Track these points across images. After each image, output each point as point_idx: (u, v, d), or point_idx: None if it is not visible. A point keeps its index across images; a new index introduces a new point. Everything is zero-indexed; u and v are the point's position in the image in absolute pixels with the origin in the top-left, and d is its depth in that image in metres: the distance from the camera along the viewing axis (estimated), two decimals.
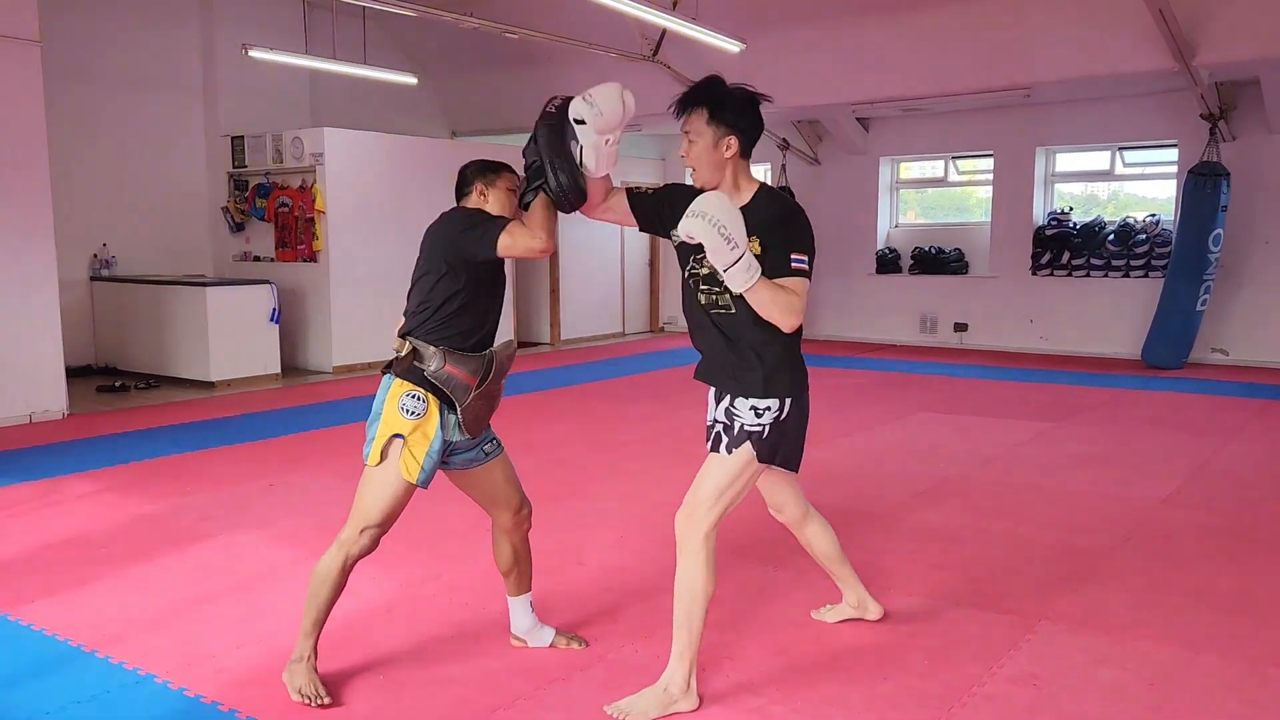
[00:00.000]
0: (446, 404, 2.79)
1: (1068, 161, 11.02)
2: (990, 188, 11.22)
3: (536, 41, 8.97)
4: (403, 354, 2.80)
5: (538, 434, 6.63)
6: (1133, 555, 4.11)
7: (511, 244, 2.68)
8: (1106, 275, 10.39)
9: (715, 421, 2.85)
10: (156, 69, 9.55)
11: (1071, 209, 10.81)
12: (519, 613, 3.14)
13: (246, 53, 8.37)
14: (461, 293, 2.77)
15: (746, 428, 2.74)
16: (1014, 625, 3.35)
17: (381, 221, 9.61)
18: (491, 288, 2.87)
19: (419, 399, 2.76)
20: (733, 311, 2.74)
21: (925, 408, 7.51)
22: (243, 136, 9.78)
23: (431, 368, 2.75)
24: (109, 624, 3.36)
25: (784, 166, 11.59)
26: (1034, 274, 10.78)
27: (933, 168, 12.05)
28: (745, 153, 2.74)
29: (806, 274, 2.68)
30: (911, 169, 12.17)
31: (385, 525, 2.81)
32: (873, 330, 11.95)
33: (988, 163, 11.28)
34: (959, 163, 11.74)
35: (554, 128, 2.76)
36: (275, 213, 9.58)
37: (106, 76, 9.13)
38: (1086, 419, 7.07)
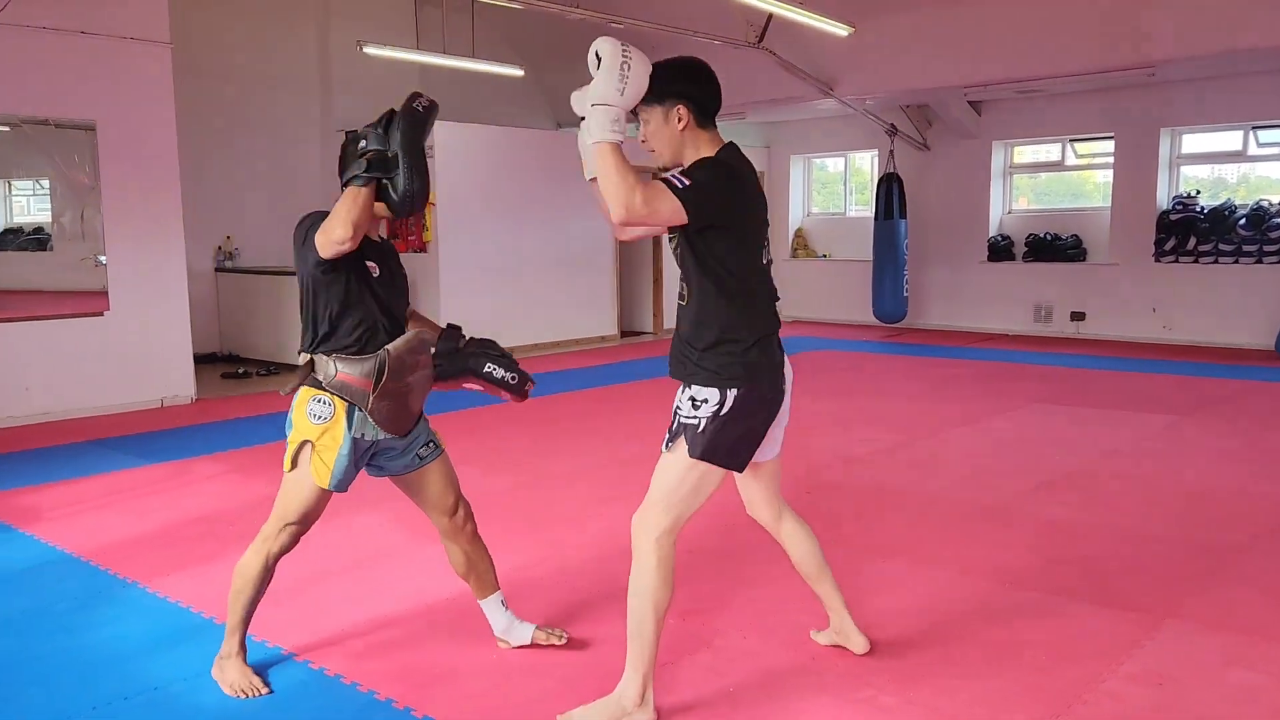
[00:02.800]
0: (350, 407, 2.74)
1: (1195, 143, 10.50)
2: (1110, 171, 10.78)
3: (641, 31, 8.97)
4: (303, 366, 2.77)
5: (645, 423, 6.66)
6: (1266, 554, 3.90)
7: (323, 243, 2.58)
8: (1237, 261, 9.86)
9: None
10: (277, 67, 9.90)
11: (1198, 192, 10.30)
12: (492, 614, 3.06)
13: (361, 49, 8.61)
14: (332, 300, 2.69)
15: (682, 420, 2.54)
16: (1138, 623, 3.22)
17: (489, 212, 9.78)
18: (365, 284, 2.72)
19: (325, 403, 2.71)
20: (683, 301, 2.62)
21: (1040, 399, 7.27)
22: (356, 131, 10.05)
23: (326, 376, 2.71)
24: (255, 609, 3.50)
25: (891, 152, 11.35)
26: (1157, 260, 10.32)
27: (1047, 151, 11.63)
28: (702, 121, 2.55)
29: (675, 190, 2.37)
30: (1025, 153, 11.78)
31: (303, 523, 2.81)
32: (983, 319, 11.62)
33: (1107, 145, 10.83)
34: (1076, 146, 11.30)
35: (418, 125, 2.68)
36: None
37: (231, 75, 9.50)
38: (1215, 412, 6.74)
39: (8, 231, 8.40)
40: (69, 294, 7.37)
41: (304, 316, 2.77)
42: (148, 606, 3.47)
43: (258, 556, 2.81)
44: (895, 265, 11.28)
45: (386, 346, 2.72)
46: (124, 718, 2.69)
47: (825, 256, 13.14)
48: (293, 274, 9.04)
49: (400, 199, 2.67)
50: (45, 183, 8.47)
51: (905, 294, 11.38)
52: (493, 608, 3.06)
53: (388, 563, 3.90)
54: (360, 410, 2.72)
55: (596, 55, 2.37)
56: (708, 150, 2.55)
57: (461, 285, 9.63)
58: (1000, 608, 3.36)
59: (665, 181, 2.40)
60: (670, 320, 11.95)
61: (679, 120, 2.52)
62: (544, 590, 3.57)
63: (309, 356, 2.76)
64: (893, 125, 11.31)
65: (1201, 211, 10.11)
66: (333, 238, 2.56)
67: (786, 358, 2.72)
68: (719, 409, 2.50)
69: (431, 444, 2.94)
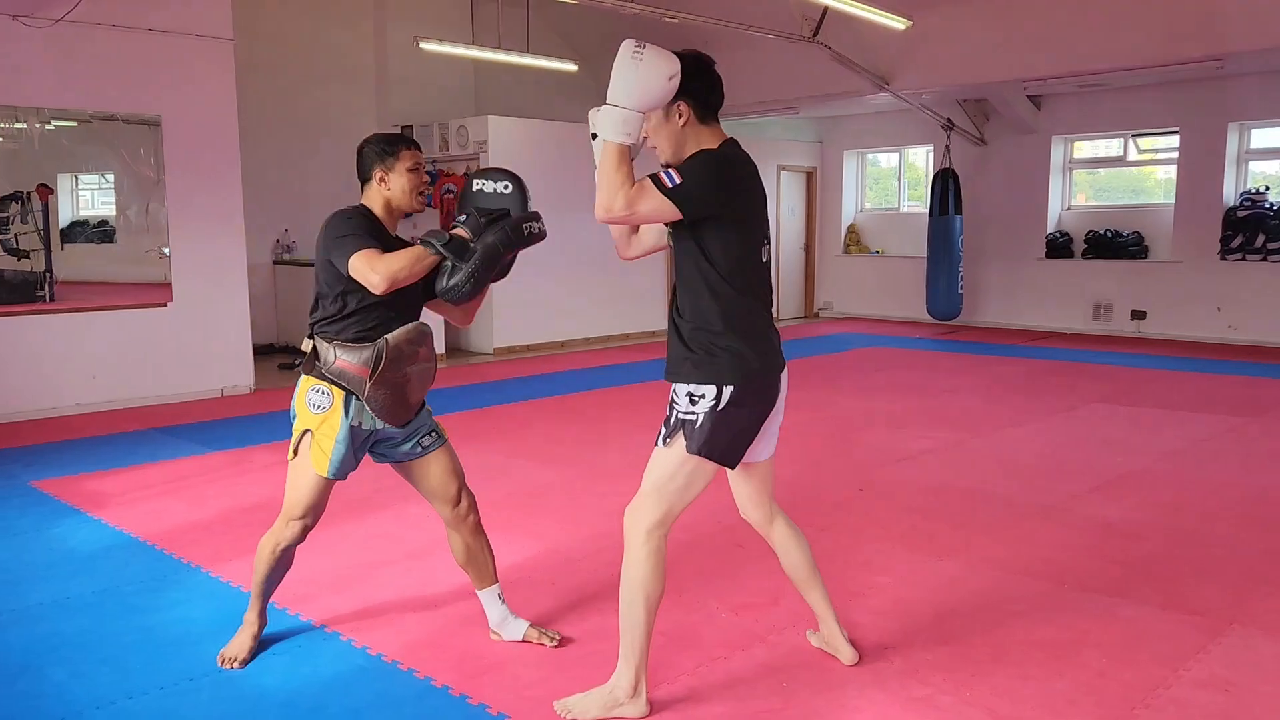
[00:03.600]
0: (347, 395, 2.77)
1: (1264, 137, 10.22)
2: (1173, 167, 10.54)
3: (694, 26, 8.95)
4: (307, 352, 2.80)
5: None
6: None
7: (355, 271, 2.63)
8: None
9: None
10: (334, 63, 10.04)
11: (1268, 188, 10.02)
12: (489, 605, 3.09)
13: (418, 45, 8.70)
14: (352, 293, 2.72)
15: (680, 416, 2.53)
16: (1203, 627, 3.15)
17: (542, 206, 9.70)
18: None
19: (323, 392, 2.76)
20: (678, 300, 2.58)
21: (1100, 399, 7.14)
22: (411, 126, 10.17)
23: (326, 363, 2.75)
24: (296, 583, 3.56)
25: (948, 148, 11.20)
26: (1223, 258, 10.07)
27: (1106, 146, 11.39)
28: (703, 117, 2.54)
29: (663, 188, 2.38)
30: (1084, 148, 11.55)
31: (308, 517, 2.85)
32: (1041, 317, 11.43)
33: (1171, 140, 10.60)
34: (1139, 140, 11.06)
35: (512, 243, 2.72)
36: (441, 199, 9.94)
37: (289, 71, 9.65)
38: None
39: (75, 224, 8.61)
40: (133, 285, 7.55)
41: (315, 298, 2.83)
42: (210, 590, 3.55)
43: (267, 545, 2.90)
44: (950, 262, 11.14)
45: (385, 336, 2.75)
46: (190, 698, 2.75)
47: (878, 253, 13.01)
48: None
49: (445, 289, 2.73)
50: (111, 177, 8.68)
51: (960, 291, 11.24)
52: (490, 599, 3.09)
53: (442, 553, 3.94)
54: (358, 398, 2.76)
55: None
56: (709, 146, 2.54)
57: (513, 277, 9.63)
58: (1059, 609, 3.30)
59: (655, 179, 2.40)
60: None
61: (680, 117, 2.51)
62: (591, 582, 3.59)
63: (312, 343, 2.80)
64: (949, 120, 11.16)
65: (1271, 208, 9.85)
66: (369, 279, 2.62)
67: (783, 358, 2.69)
68: (715, 404, 2.50)
69: (434, 433, 2.97)
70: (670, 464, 2.54)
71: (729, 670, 2.88)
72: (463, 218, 2.79)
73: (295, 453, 2.83)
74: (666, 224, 2.54)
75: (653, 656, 2.95)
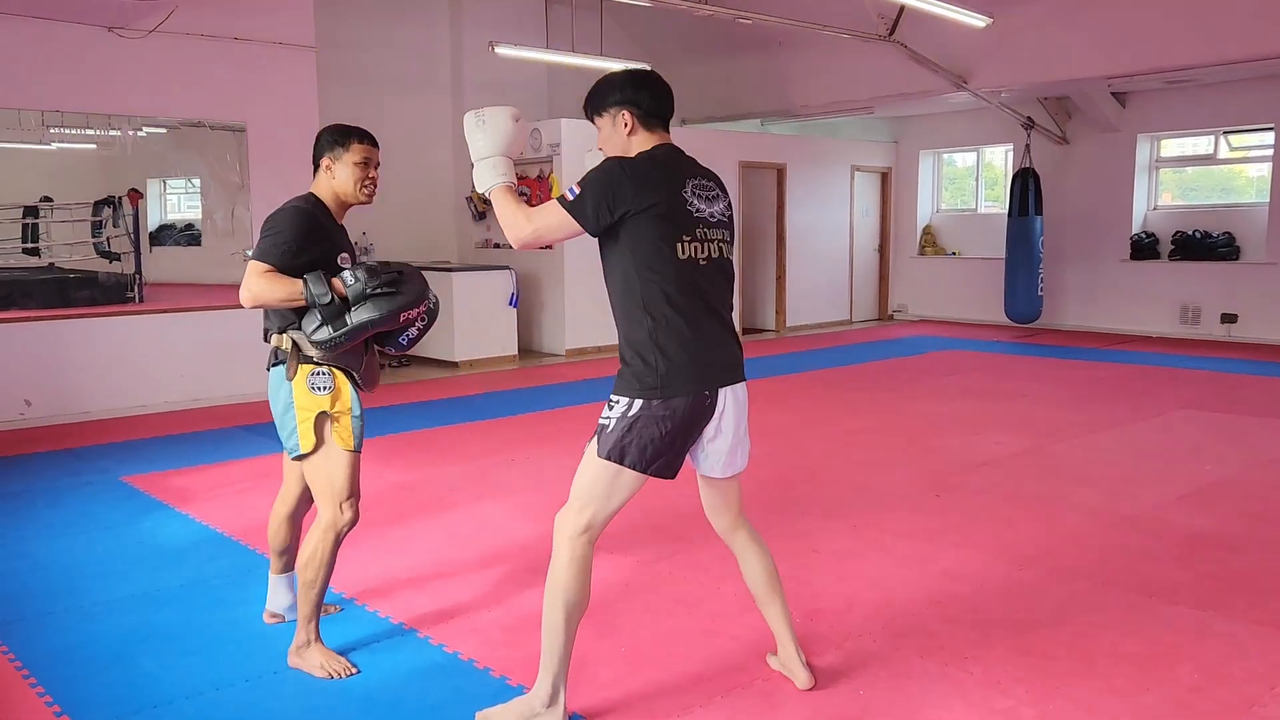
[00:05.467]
0: (345, 373, 2.88)
1: None
2: (1268, 165, 10.15)
3: (768, 26, 8.91)
4: (285, 349, 2.85)
5: (766, 420, 6.60)
6: None
7: (246, 275, 2.75)
8: None
9: None
10: (412, 69, 10.21)
11: None
12: (281, 591, 3.22)
13: (493, 50, 8.80)
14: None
15: (600, 420, 2.52)
16: None
17: None
18: (334, 270, 2.83)
19: (324, 374, 2.83)
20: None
21: (1187, 404, 6.91)
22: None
23: (316, 352, 2.81)
24: (374, 580, 3.64)
25: (1028, 146, 10.95)
26: None
27: (1193, 144, 11.02)
28: (647, 124, 2.58)
29: (565, 203, 2.45)
30: (1172, 146, 11.19)
31: (356, 492, 2.90)
32: (1125, 321, 11.11)
33: (1266, 137, 10.21)
34: (1231, 138, 10.68)
35: (377, 321, 2.74)
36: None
37: (367, 77, 9.84)
38: None
39: (163, 228, 8.90)
40: (218, 287, 7.77)
41: None
42: (294, 585, 3.62)
43: (327, 543, 2.88)
44: (1030, 263, 10.90)
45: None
46: (275, 690, 2.82)
47: (955, 254, 12.78)
48: (422, 269, 9.37)
49: (307, 335, 2.77)
50: (197, 182, 8.96)
51: (1040, 293, 10.98)
52: (284, 584, 3.22)
53: (516, 554, 3.97)
54: (355, 374, 2.89)
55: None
56: (639, 147, 2.57)
57: (585, 279, 9.73)
58: (1147, 621, 3.20)
59: (561, 196, 2.48)
60: (793, 318, 11.91)
61: (625, 125, 2.57)
62: (665, 586, 3.58)
63: (288, 339, 2.86)
64: (1029, 118, 10.92)
65: None
66: (242, 292, 2.76)
67: (736, 374, 2.58)
68: (626, 412, 2.46)
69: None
70: (590, 470, 2.52)
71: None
72: (349, 275, 2.76)
73: (318, 440, 2.85)
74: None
75: (725, 662, 2.94)
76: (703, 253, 2.52)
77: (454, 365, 9.04)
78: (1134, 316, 11.03)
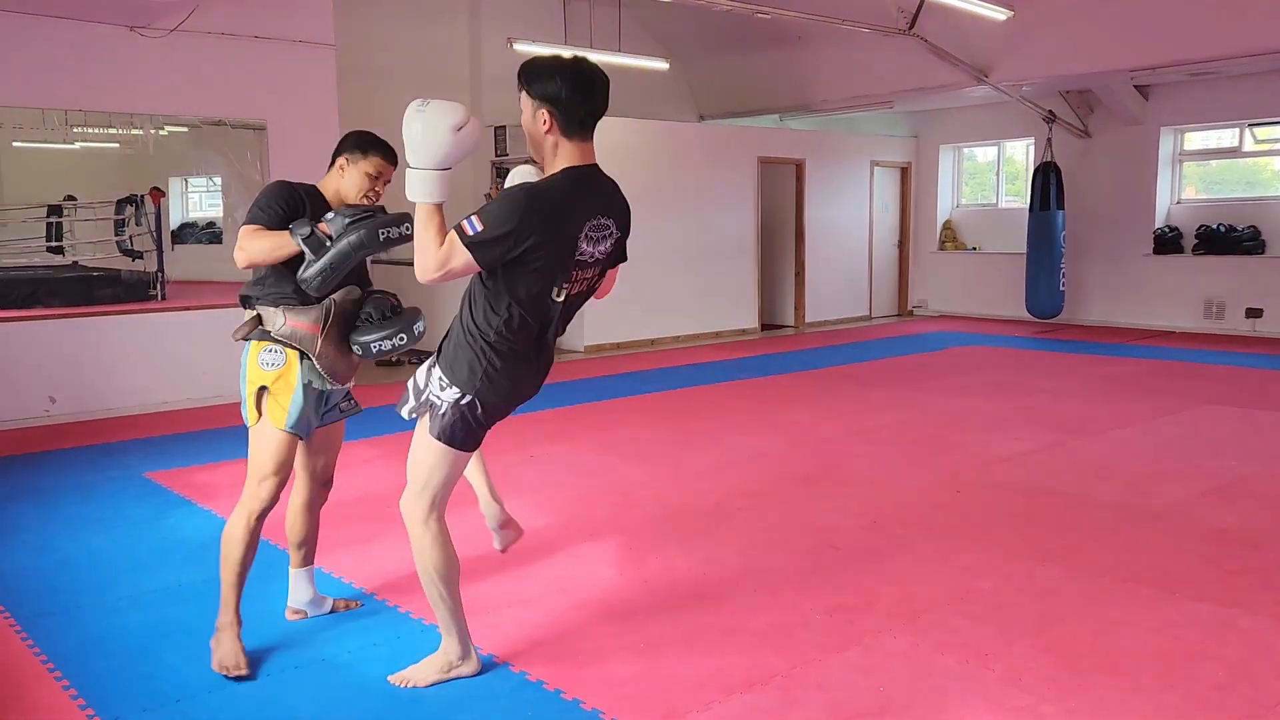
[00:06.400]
0: (301, 354, 2.89)
1: None
2: None
3: (787, 20, 8.87)
4: (249, 320, 2.92)
5: (786, 417, 6.60)
6: None
7: (236, 246, 2.79)
8: None
9: None
10: (430, 65, 10.23)
11: None
12: (307, 585, 3.26)
13: (511, 46, 8.80)
14: (287, 261, 2.82)
15: (430, 397, 2.62)
16: None
17: (632, 205, 9.84)
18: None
19: (275, 351, 2.88)
20: (470, 299, 2.60)
21: (1211, 400, 6.84)
22: (505, 126, 10.29)
23: (275, 326, 2.87)
24: (396, 576, 3.65)
25: (1049, 140, 10.86)
26: None
27: (1218, 137, 10.90)
28: (568, 130, 2.44)
29: (465, 237, 2.36)
30: (1195, 139, 11.08)
31: (280, 474, 2.90)
32: (1148, 316, 11.01)
33: None
34: (1256, 130, 10.56)
35: (360, 244, 2.75)
36: None
37: (385, 74, 9.86)
38: None
39: (184, 226, 8.97)
40: (239, 284, 7.81)
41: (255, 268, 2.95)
42: (316, 581, 3.65)
43: (240, 518, 2.91)
44: (1051, 258, 10.82)
45: (332, 296, 2.89)
46: (296, 684, 2.84)
47: (975, 249, 12.71)
48: None
49: (300, 278, 2.79)
50: (218, 180, 9.02)
51: (1061, 288, 10.90)
52: (305, 579, 3.28)
53: (537, 551, 3.98)
54: (308, 357, 2.88)
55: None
56: (562, 166, 2.47)
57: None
58: (1171, 619, 3.18)
59: (459, 228, 2.38)
60: (812, 314, 11.87)
61: (544, 124, 2.44)
62: (684, 583, 3.58)
63: (254, 311, 2.92)
64: (1051, 112, 10.83)
65: None
66: (236, 253, 2.80)
67: (535, 388, 2.74)
68: (459, 399, 2.56)
69: (351, 397, 3.15)
70: (426, 453, 2.62)
71: (824, 673, 2.84)
72: (330, 215, 2.81)
73: (258, 414, 2.91)
74: None
75: (745, 657, 2.93)
76: (569, 292, 2.55)
77: None
78: (1157, 311, 10.93)
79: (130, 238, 7.92)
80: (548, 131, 2.45)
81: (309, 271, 2.77)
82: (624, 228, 2.66)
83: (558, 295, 2.52)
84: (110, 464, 5.48)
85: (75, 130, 7.53)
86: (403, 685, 2.75)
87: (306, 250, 2.77)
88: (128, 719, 2.65)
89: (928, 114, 12.73)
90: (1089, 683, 2.76)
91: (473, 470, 3.23)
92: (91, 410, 6.76)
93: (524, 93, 2.47)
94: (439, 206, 2.44)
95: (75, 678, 2.88)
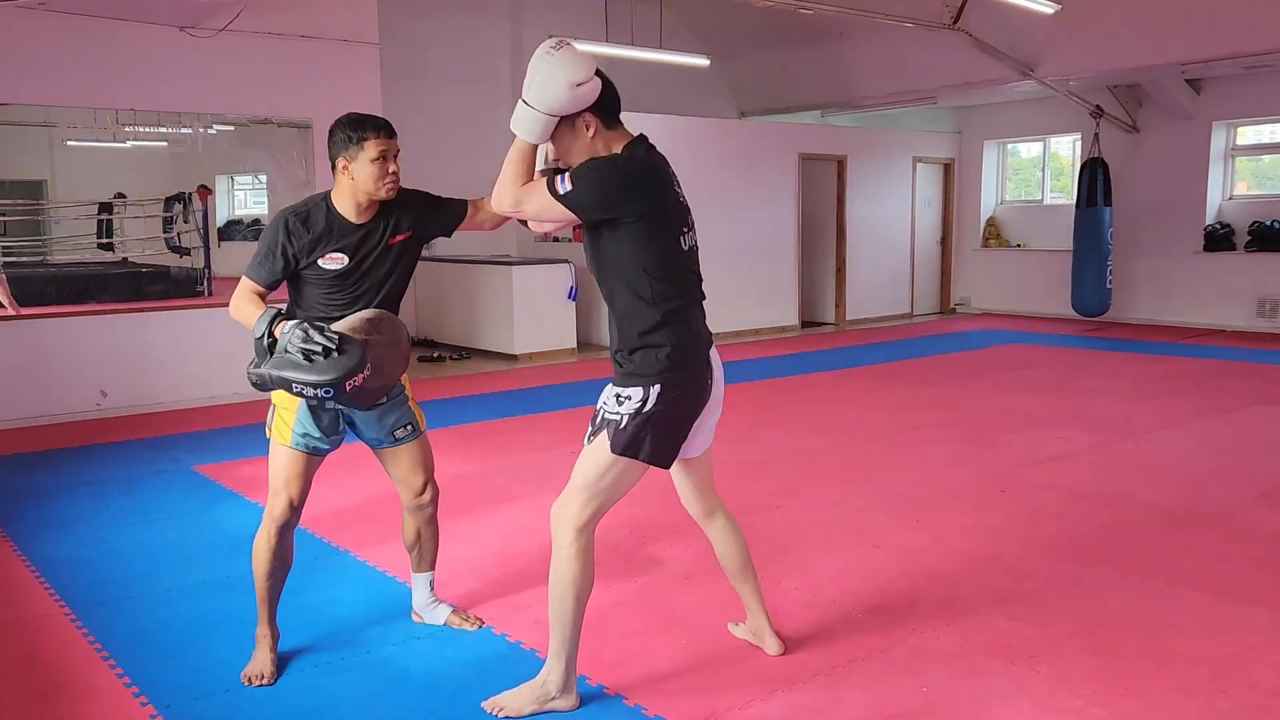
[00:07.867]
0: None
1: None
2: None
3: (829, 16, 8.81)
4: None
5: (827, 415, 6.56)
6: None
7: (234, 292, 2.80)
8: None
9: None
10: (471, 64, 10.30)
11: None
12: (419, 588, 3.22)
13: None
14: (292, 286, 2.83)
15: (606, 415, 2.53)
16: None
17: None
18: (318, 283, 2.83)
19: None
20: (609, 305, 2.57)
21: (1265, 400, 6.70)
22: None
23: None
24: (437, 570, 3.67)
25: (1096, 135, 10.69)
26: None
27: (1271, 131, 10.65)
28: (609, 123, 2.52)
29: (555, 194, 2.40)
30: (1248, 134, 10.84)
31: (289, 489, 2.86)
32: (1198, 314, 10.80)
33: None
34: None
35: (267, 385, 2.53)
36: None
37: (428, 73, 9.95)
38: None
39: (230, 223, 9.10)
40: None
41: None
42: (359, 574, 3.70)
43: (262, 533, 2.91)
44: (1098, 255, 10.65)
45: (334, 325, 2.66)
46: (342, 676, 2.87)
47: (1020, 246, 12.54)
48: (483, 263, 9.47)
49: (249, 368, 2.57)
50: (264, 178, 9.15)
51: (1109, 286, 10.73)
52: (421, 583, 3.22)
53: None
54: None
55: None
56: (618, 148, 2.52)
57: None
58: (1223, 623, 3.12)
59: (550, 183, 2.42)
60: (853, 311, 11.79)
61: (588, 128, 2.49)
62: (725, 581, 3.57)
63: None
64: (1098, 107, 10.66)
65: None
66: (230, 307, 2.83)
67: (715, 350, 2.68)
68: (641, 405, 2.48)
69: (410, 426, 3.06)
70: (597, 463, 2.54)
71: (867, 673, 2.82)
72: (289, 326, 2.51)
73: (271, 428, 2.93)
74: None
75: (786, 656, 2.92)
76: (692, 240, 2.60)
77: (513, 358, 9.11)
78: (1208, 310, 10.72)
79: (178, 235, 8.06)
80: (594, 134, 2.50)
81: (249, 369, 2.59)
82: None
83: (685, 244, 2.56)
84: (159, 457, 5.58)
85: (126, 129, 7.67)
86: (497, 714, 2.60)
87: (254, 350, 2.60)
88: (179, 707, 2.70)
89: (971, 109, 12.59)
90: (1138, 686, 2.71)
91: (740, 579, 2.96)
92: (141, 404, 6.89)
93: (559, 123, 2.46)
94: (534, 147, 2.49)
95: (128, 666, 2.94)
